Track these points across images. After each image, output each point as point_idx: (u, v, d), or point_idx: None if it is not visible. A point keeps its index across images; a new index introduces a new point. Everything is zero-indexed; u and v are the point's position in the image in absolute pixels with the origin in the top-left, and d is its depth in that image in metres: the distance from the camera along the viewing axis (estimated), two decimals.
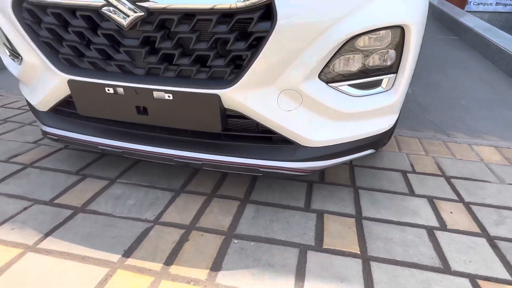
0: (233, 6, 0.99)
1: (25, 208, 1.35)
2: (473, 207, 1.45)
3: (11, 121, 2.19)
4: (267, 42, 1.03)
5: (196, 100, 1.16)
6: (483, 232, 1.30)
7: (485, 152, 1.95)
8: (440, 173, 1.72)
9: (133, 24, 1.08)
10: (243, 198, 1.46)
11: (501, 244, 1.25)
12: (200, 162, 1.30)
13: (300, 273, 1.10)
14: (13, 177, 1.56)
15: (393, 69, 1.20)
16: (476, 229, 1.32)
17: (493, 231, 1.31)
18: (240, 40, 1.06)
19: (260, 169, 1.26)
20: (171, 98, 1.18)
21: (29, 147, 1.85)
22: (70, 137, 1.45)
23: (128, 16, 1.06)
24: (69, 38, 1.20)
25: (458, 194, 1.54)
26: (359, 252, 1.19)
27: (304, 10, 1.01)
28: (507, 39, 3.47)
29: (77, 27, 1.16)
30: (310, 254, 1.18)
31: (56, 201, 1.40)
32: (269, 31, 1.02)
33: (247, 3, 0.98)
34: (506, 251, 1.22)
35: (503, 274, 1.13)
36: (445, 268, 1.14)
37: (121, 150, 1.38)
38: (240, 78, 1.10)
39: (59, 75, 1.28)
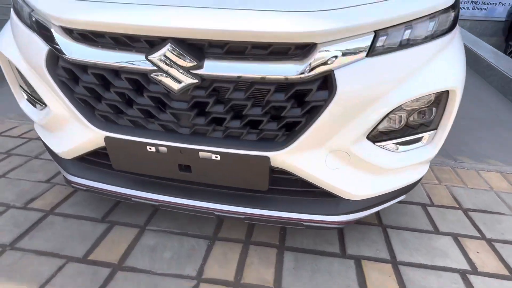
0: (294, 77, 0.99)
1: (60, 268, 1.30)
2: (496, 245, 1.53)
3: (15, 154, 2.08)
4: (325, 111, 1.03)
5: (245, 161, 1.15)
6: None
7: (492, 179, 2.04)
8: (457, 205, 1.79)
9: (185, 90, 1.05)
10: (279, 245, 1.46)
11: None
12: (243, 216, 1.29)
13: None
14: (37, 229, 1.49)
15: (435, 126, 1.23)
16: (504, 271, 1.39)
17: None
18: (296, 106, 1.05)
19: (304, 223, 1.28)
20: (218, 158, 1.16)
21: (44, 187, 1.77)
22: (100, 188, 1.40)
23: (180, 82, 1.03)
24: (110, 97, 1.15)
25: (479, 230, 1.62)
26: None
27: (362, 80, 1.02)
28: (498, 56, 3.62)
29: (121, 88, 1.12)
30: None
31: (90, 257, 1.35)
32: (327, 100, 1.02)
33: (308, 74, 0.98)
34: None
35: None
36: None
37: (157, 203, 1.35)
38: (293, 142, 1.10)
39: (95, 131, 1.23)
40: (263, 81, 1.01)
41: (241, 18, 0.96)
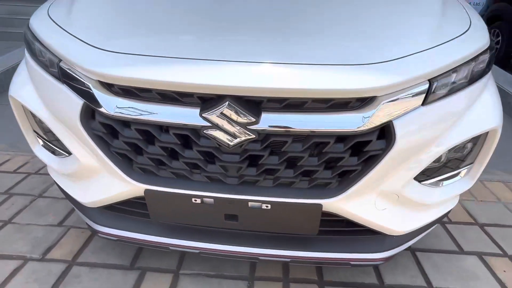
0: (355, 130, 0.98)
1: None
2: None
3: (16, 193, 1.94)
4: (383, 159, 1.03)
5: (296, 209, 1.13)
6: None
7: (497, 189, 2.14)
8: (473, 221, 1.86)
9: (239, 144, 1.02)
10: (318, 280, 1.46)
11: None
12: (289, 259, 1.27)
13: None
14: (63, 284, 1.40)
15: (473, 160, 1.27)
16: None
17: None
18: (353, 155, 1.05)
19: (351, 263, 1.27)
20: (268, 207, 1.14)
21: (58, 233, 1.66)
22: (133, 238, 1.33)
23: (235, 137, 1.00)
24: (153, 151, 1.09)
25: (499, 246, 1.69)
26: None
27: (418, 128, 1.03)
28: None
29: (166, 142, 1.06)
30: None
31: None
32: (385, 149, 1.02)
33: (369, 127, 0.97)
34: None
35: None
36: None
37: (198, 251, 1.30)
38: (348, 189, 1.09)
39: (133, 184, 1.16)
40: (324, 134, 0.99)
41: (301, 75, 0.94)
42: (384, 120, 0.98)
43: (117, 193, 1.23)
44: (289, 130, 0.98)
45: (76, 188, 1.37)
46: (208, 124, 0.99)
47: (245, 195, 1.12)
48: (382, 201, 1.18)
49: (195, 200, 1.15)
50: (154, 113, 1.01)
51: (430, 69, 1.00)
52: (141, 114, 1.02)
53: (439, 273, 1.51)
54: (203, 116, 0.97)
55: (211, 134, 1.00)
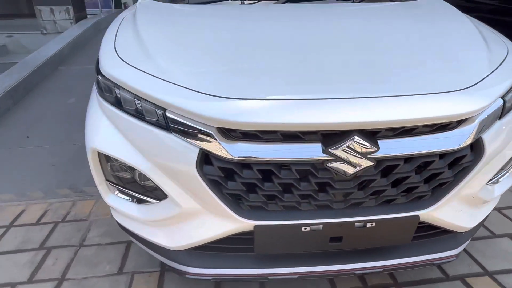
0: (457, 148, 1.11)
1: None
2: None
3: (54, 246, 1.81)
4: (474, 169, 1.18)
5: (397, 223, 1.24)
6: None
7: None
8: None
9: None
10: (394, 283, 1.58)
11: None
12: (381, 269, 1.38)
13: None
14: None
15: None
16: None
17: None
18: (449, 169, 1.18)
19: (434, 263, 1.41)
20: (373, 225, 1.23)
21: (124, 281, 1.60)
22: (229, 274, 1.35)
23: (355, 166, 1.08)
24: (269, 187, 1.13)
25: None
26: None
27: (498, 139, 1.20)
28: None
29: (286, 178, 1.11)
30: None
31: None
32: (476, 161, 1.17)
33: (467, 143, 1.12)
34: None
35: None
36: None
37: (296, 276, 1.35)
38: (442, 199, 1.23)
39: (241, 221, 1.19)
40: (430, 155, 1.12)
41: (414, 105, 1.05)
42: (477, 136, 1.13)
43: (221, 233, 1.24)
44: (403, 155, 1.09)
45: (160, 234, 1.35)
46: (331, 157, 1.06)
47: (352, 217, 1.21)
48: (460, 203, 1.34)
49: (305, 229, 1.21)
50: (276, 152, 1.06)
51: (503, 88, 1.18)
52: (264, 155, 1.06)
53: (486, 258, 1.72)
54: (330, 152, 1.04)
55: (334, 167, 1.07)
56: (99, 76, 1.30)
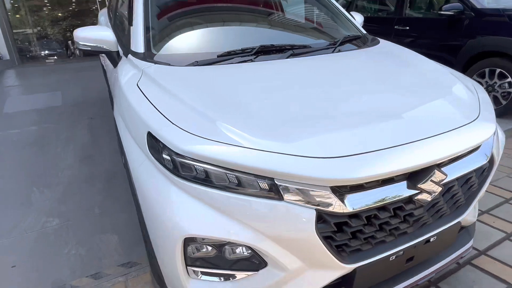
0: (485, 163, 1.44)
1: None
2: None
3: None
4: (490, 177, 1.53)
5: (448, 232, 1.49)
6: None
7: None
8: None
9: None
10: (430, 283, 1.84)
11: None
12: (434, 274, 1.61)
13: None
14: None
15: None
16: None
17: None
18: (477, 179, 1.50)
19: (462, 256, 1.72)
20: (435, 239, 1.46)
21: None
22: None
23: (432, 194, 1.29)
24: (370, 230, 1.25)
25: None
26: None
27: (497, 150, 1.58)
28: None
29: (384, 218, 1.25)
30: None
31: None
32: (489, 170, 1.53)
33: (488, 158, 1.46)
34: None
35: None
36: None
37: None
38: (471, 204, 1.54)
39: (344, 267, 1.27)
40: (470, 172, 1.41)
41: (457, 140, 1.32)
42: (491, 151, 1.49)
43: (324, 283, 1.28)
44: (458, 176, 1.36)
45: None
46: (417, 191, 1.25)
47: (422, 236, 1.41)
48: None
49: (392, 258, 1.36)
50: (379, 197, 1.20)
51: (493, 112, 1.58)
52: (371, 201, 1.18)
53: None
54: (419, 187, 1.23)
55: (422, 199, 1.26)
56: (173, 156, 1.21)
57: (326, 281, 1.29)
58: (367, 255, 1.30)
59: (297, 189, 1.13)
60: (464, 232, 1.77)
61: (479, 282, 1.87)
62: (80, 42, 1.95)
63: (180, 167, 1.20)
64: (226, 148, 1.17)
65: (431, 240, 1.45)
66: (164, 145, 1.23)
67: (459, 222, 1.51)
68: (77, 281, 1.98)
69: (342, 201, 1.14)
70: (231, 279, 1.28)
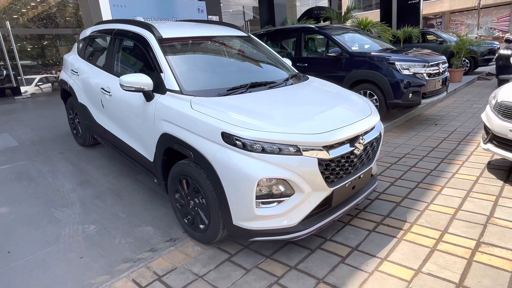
0: (379, 133, 2.90)
1: None
2: None
3: None
4: (380, 144, 3.00)
5: (368, 172, 2.88)
6: None
7: None
8: None
9: None
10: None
11: None
12: (360, 201, 2.98)
13: None
14: None
15: None
16: None
17: None
18: (377, 144, 2.95)
19: (374, 190, 3.14)
20: (363, 175, 2.82)
21: None
22: (322, 225, 2.57)
23: (359, 149, 2.65)
24: (337, 169, 2.53)
25: None
26: None
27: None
28: None
29: (342, 163, 2.54)
30: None
31: None
32: (380, 139, 3.01)
33: (381, 131, 2.93)
34: None
35: None
36: None
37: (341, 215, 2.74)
38: (375, 157, 2.98)
39: (328, 189, 2.50)
40: (373, 139, 2.84)
41: (364, 123, 2.76)
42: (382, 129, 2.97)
43: (319, 200, 2.49)
44: (370, 140, 2.76)
45: (284, 220, 2.42)
46: (354, 148, 2.58)
47: (358, 173, 2.76)
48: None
49: (347, 185, 2.66)
50: (340, 151, 2.49)
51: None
52: (339, 152, 2.47)
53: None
54: (355, 145, 2.57)
55: (356, 152, 2.60)
56: (242, 141, 2.28)
57: (321, 198, 2.49)
58: (337, 183, 2.56)
59: (308, 148, 2.34)
60: (372, 178, 3.21)
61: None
62: (124, 85, 2.84)
63: (248, 146, 2.28)
64: (267, 133, 2.32)
65: (361, 177, 2.80)
66: (237, 137, 2.29)
67: (371, 167, 2.92)
68: (140, 255, 2.73)
69: (328, 153, 2.39)
70: (277, 203, 2.38)
